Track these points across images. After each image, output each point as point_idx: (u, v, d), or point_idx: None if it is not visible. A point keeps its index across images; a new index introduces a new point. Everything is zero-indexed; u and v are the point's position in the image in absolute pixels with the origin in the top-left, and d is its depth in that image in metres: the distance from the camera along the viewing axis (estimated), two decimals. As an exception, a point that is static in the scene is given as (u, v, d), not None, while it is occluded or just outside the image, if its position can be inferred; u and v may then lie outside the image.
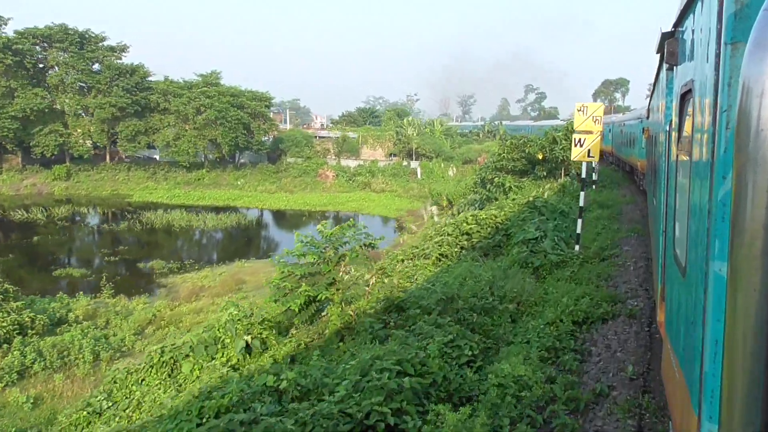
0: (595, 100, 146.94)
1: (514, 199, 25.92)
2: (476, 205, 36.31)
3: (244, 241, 38.98)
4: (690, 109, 3.18)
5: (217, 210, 48.66)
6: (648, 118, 14.34)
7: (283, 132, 73.60)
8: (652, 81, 9.13)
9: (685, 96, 3.44)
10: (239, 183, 62.16)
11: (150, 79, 61.55)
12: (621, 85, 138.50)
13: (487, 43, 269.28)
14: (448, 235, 15.73)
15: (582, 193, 13.79)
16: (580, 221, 13.74)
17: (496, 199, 34.66)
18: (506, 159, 35.88)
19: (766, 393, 1.78)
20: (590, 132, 13.09)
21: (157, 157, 65.74)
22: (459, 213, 38.10)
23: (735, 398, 1.92)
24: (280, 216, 49.37)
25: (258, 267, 28.24)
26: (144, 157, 67.16)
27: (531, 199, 18.41)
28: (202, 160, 63.44)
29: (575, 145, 13.23)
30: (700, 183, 2.65)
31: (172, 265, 28.38)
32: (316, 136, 77.63)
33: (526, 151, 33.23)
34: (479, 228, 15.49)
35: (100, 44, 57.88)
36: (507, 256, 14.14)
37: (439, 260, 15.08)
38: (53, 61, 54.45)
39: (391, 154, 74.87)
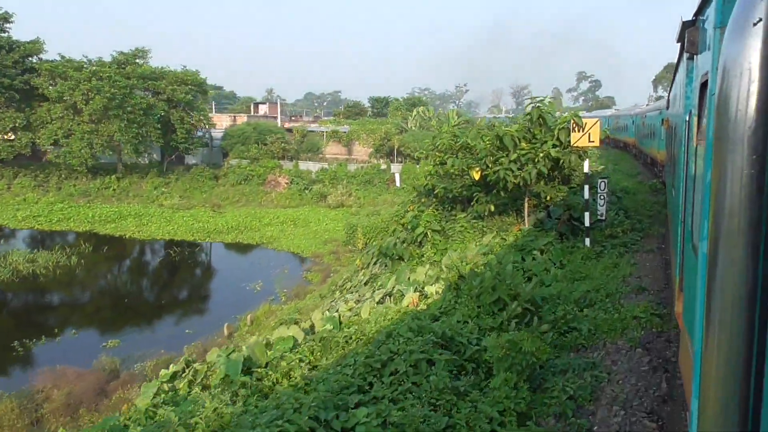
0: (655, 88, 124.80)
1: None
2: (382, 262, 19.47)
3: None
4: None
5: (68, 240, 33.67)
6: (668, 108, 13.08)
7: (236, 127, 58.02)
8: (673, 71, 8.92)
9: (705, 85, 3.44)
10: (155, 193, 47.30)
11: (45, 57, 47.46)
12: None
13: (530, 17, 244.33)
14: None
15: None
16: None
17: (400, 258, 17.80)
18: (436, 176, 18.94)
19: (744, 370, 1.63)
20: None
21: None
22: (363, 268, 21.31)
23: (712, 374, 1.75)
24: (145, 251, 33.70)
25: None
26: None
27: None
28: (116, 162, 48.98)
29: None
30: None
31: None
32: (306, 131, 61.71)
33: (448, 163, 16.35)
34: None
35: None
36: None
37: None
38: None
39: (376, 153, 58.33)
